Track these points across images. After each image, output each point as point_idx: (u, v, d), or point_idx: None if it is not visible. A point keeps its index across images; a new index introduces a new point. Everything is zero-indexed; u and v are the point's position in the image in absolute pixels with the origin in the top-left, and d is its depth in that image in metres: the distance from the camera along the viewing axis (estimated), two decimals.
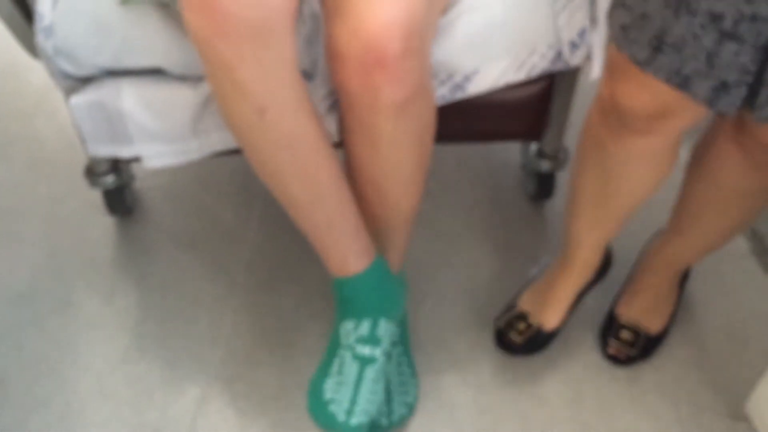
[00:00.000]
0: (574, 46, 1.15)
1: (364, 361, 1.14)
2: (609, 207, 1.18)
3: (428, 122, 1.05)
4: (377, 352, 1.14)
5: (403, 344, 1.24)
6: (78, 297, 1.42)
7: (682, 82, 0.94)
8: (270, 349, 1.34)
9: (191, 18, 0.89)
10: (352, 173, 1.09)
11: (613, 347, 1.30)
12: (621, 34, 0.99)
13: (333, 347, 1.18)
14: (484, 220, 1.54)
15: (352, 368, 1.14)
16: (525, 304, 1.33)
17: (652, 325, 1.30)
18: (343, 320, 1.16)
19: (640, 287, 1.32)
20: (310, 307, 1.39)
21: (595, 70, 1.16)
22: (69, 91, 1.18)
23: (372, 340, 1.14)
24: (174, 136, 1.18)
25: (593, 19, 1.15)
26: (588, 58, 1.18)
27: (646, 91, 0.99)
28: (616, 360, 1.30)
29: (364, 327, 1.14)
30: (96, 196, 1.55)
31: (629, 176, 1.12)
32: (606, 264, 1.35)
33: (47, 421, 1.25)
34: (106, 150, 1.23)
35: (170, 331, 1.36)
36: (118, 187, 1.46)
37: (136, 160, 1.25)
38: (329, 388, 1.15)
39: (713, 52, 0.90)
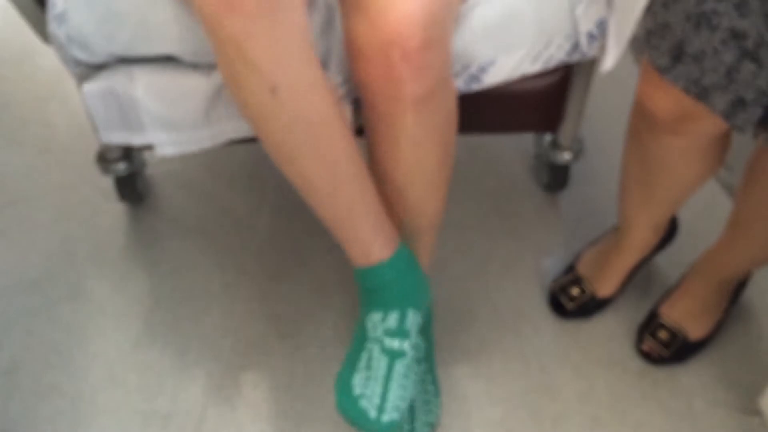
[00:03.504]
0: (591, 37, 1.14)
1: (394, 355, 1.07)
2: (653, 194, 1.20)
3: (450, 118, 1.03)
4: (406, 346, 1.08)
5: (428, 362, 1.22)
6: (89, 284, 1.42)
7: (700, 93, 0.94)
8: (281, 337, 1.33)
9: None
10: (373, 174, 1.06)
11: (648, 344, 1.29)
12: (644, 38, 0.99)
13: (360, 340, 1.10)
14: (496, 210, 1.53)
15: (381, 362, 1.07)
16: (583, 267, 1.36)
17: (693, 330, 1.29)
18: (369, 312, 1.10)
19: (686, 290, 1.30)
20: (321, 295, 1.39)
21: (607, 63, 1.14)
22: (81, 78, 1.18)
23: (401, 332, 1.08)
24: (187, 124, 1.18)
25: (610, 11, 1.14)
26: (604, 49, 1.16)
27: (667, 96, 0.99)
28: (648, 358, 1.29)
29: (392, 319, 1.08)
30: (107, 183, 1.55)
31: (668, 170, 1.13)
32: (670, 234, 1.36)
33: (58, 408, 1.25)
34: (118, 137, 1.23)
35: (181, 318, 1.36)
36: (129, 174, 1.45)
37: (149, 147, 1.25)
38: (358, 384, 1.07)
39: (733, 68, 0.90)
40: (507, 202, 1.54)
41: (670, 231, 1.36)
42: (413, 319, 1.09)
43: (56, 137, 1.69)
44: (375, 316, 1.08)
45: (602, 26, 1.13)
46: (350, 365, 1.09)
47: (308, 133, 0.95)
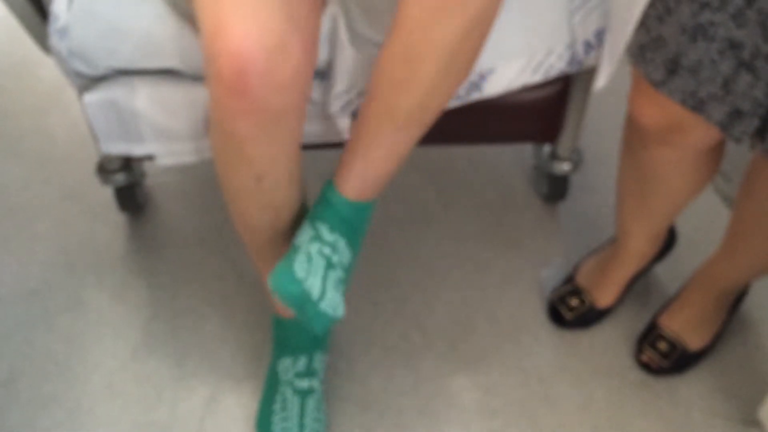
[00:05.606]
0: (589, 46, 1.14)
1: (304, 394, 1.20)
2: (649, 205, 1.20)
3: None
4: (315, 383, 1.20)
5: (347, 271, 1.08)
6: (88, 294, 1.42)
7: (697, 105, 0.94)
8: None
9: (220, 94, 0.90)
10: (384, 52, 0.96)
11: (647, 355, 1.29)
12: (638, 52, 0.99)
13: (272, 384, 1.22)
14: (496, 221, 1.53)
15: (294, 403, 1.19)
16: (582, 278, 1.36)
17: (692, 341, 1.28)
18: (280, 358, 1.21)
19: (686, 301, 1.30)
20: None
21: (600, 80, 1.13)
22: (82, 89, 1.18)
23: (309, 373, 1.20)
24: (187, 135, 1.18)
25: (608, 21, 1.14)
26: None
27: (657, 108, 1.00)
28: (648, 368, 1.29)
29: (301, 363, 1.20)
30: (107, 194, 1.55)
31: (662, 181, 1.13)
32: (669, 244, 1.36)
33: (56, 419, 1.25)
34: (118, 148, 1.23)
35: (180, 328, 1.36)
36: (129, 185, 1.45)
37: (148, 158, 1.25)
38: (277, 424, 1.19)
39: (730, 78, 0.90)
40: (506, 213, 1.54)
41: (669, 241, 1.37)
42: (320, 359, 1.22)
43: (56, 148, 1.69)
44: (286, 362, 1.21)
45: (600, 36, 1.14)
46: (266, 409, 1.21)
47: (276, 215, 1.06)
